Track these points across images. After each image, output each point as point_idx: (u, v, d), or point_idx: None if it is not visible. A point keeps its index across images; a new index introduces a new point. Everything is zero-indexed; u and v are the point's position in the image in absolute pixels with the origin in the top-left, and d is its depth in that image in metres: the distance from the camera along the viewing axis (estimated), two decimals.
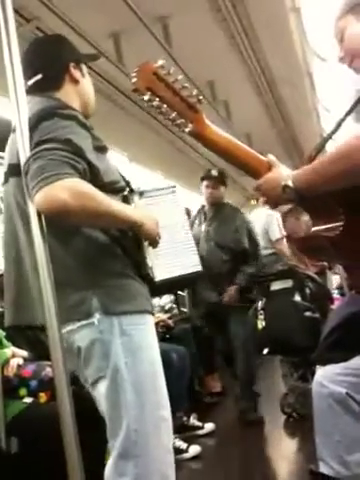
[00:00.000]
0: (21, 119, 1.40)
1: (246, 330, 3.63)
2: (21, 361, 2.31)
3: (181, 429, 3.18)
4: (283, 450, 3.27)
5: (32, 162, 1.31)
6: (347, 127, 1.54)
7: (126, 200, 1.53)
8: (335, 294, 5.23)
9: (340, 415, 1.70)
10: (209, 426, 3.41)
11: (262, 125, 6.43)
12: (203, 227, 3.81)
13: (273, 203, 1.49)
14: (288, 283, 3.55)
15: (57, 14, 3.22)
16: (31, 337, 2.46)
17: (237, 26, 4.04)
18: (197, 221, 3.87)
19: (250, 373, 3.68)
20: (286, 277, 3.57)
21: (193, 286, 3.27)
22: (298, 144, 7.73)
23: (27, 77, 1.56)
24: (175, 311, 4.49)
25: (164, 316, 4.24)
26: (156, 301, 4.24)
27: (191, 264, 1.61)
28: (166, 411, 1.45)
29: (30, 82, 1.57)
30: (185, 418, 3.35)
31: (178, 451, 2.87)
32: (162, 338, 3.89)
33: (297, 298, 3.50)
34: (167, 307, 4.46)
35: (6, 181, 1.53)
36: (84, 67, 1.67)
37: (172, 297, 4.57)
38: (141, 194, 1.62)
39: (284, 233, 4.44)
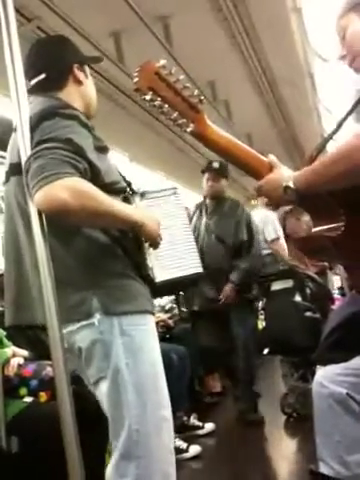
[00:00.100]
0: (22, 118, 1.40)
1: (246, 330, 3.62)
2: (22, 360, 2.31)
3: (181, 429, 3.17)
4: (283, 450, 3.26)
5: (33, 161, 1.31)
6: (348, 127, 1.54)
7: (127, 201, 1.53)
8: (336, 294, 5.23)
9: (340, 415, 1.70)
10: (209, 426, 3.41)
11: (263, 125, 6.43)
12: (203, 220, 3.75)
13: (274, 204, 1.49)
14: (288, 283, 3.55)
15: (58, 14, 3.23)
16: (31, 336, 2.46)
17: (238, 26, 4.04)
18: (197, 214, 3.80)
19: (250, 373, 3.66)
20: (286, 277, 3.57)
21: (194, 287, 3.18)
22: (299, 144, 7.73)
23: (30, 77, 1.56)
24: (175, 311, 4.48)
25: (164, 316, 4.24)
26: (156, 301, 4.23)
27: (192, 265, 1.60)
28: (167, 411, 1.45)
29: (33, 82, 1.57)
30: (185, 418, 3.35)
31: (178, 451, 2.87)
32: (162, 338, 3.88)
33: (297, 298, 3.50)
34: (167, 307, 4.45)
35: (7, 180, 1.53)
36: (87, 68, 1.67)
37: (172, 297, 4.56)
38: (142, 195, 1.62)
39: (279, 234, 4.44)
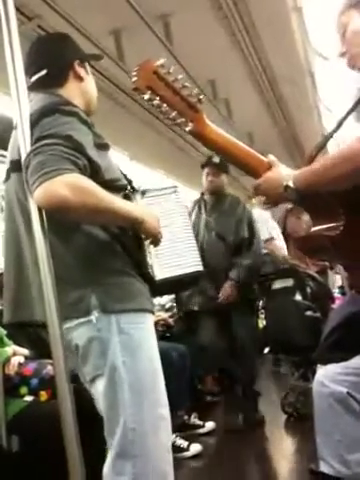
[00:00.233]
0: (22, 115, 1.40)
1: (247, 329, 3.56)
2: (22, 359, 2.31)
3: (182, 428, 3.18)
4: (284, 449, 3.27)
5: (32, 157, 1.31)
6: (348, 126, 1.54)
7: (128, 199, 1.53)
8: (336, 293, 5.23)
9: (341, 414, 1.70)
10: (210, 425, 3.41)
11: (263, 124, 6.43)
12: (203, 217, 3.63)
13: (273, 202, 1.48)
14: (289, 282, 3.55)
15: (58, 12, 3.23)
16: (32, 335, 2.46)
17: (238, 24, 4.04)
18: (196, 211, 3.69)
19: (251, 373, 3.63)
20: (287, 276, 3.57)
21: (195, 287, 2.99)
22: (299, 143, 7.73)
23: (30, 74, 1.57)
24: (175, 310, 4.48)
25: (164, 315, 4.24)
26: (156, 300, 4.22)
27: (192, 263, 1.60)
28: (165, 410, 1.45)
29: (34, 78, 1.57)
30: (186, 417, 3.35)
31: (179, 450, 2.88)
32: (162, 337, 3.89)
33: (298, 297, 3.50)
34: (167, 306, 4.45)
35: (8, 177, 1.53)
36: (87, 66, 1.67)
37: (172, 296, 4.54)
38: (143, 193, 1.61)
39: (273, 234, 4.42)
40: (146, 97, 1.32)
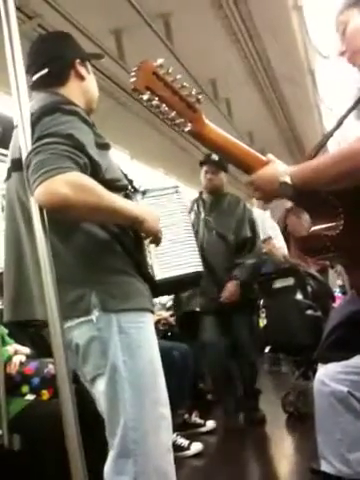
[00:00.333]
0: (23, 114, 1.40)
1: (248, 329, 3.55)
2: (23, 358, 2.31)
3: (183, 426, 3.18)
4: (284, 448, 3.27)
5: (33, 156, 1.31)
6: (349, 125, 1.54)
7: (129, 199, 1.53)
8: (337, 292, 5.22)
9: (341, 413, 1.70)
10: (211, 424, 3.42)
11: (264, 123, 6.43)
12: (202, 216, 3.57)
13: (268, 198, 1.48)
14: (290, 281, 3.54)
15: (59, 11, 3.23)
16: (33, 334, 2.46)
17: (239, 24, 4.04)
18: (195, 210, 3.63)
19: (252, 372, 3.63)
20: (288, 275, 3.57)
21: (195, 288, 2.92)
22: (300, 142, 7.73)
23: (32, 73, 1.57)
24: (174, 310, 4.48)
25: (166, 314, 4.24)
26: (157, 299, 4.23)
27: (192, 264, 1.59)
28: (166, 409, 1.45)
29: (35, 77, 1.57)
30: (187, 415, 3.35)
31: (180, 448, 2.88)
32: (164, 336, 3.89)
33: (299, 296, 3.49)
34: (168, 305, 4.45)
35: (9, 176, 1.53)
36: (89, 65, 1.67)
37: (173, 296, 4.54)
38: (144, 193, 1.61)
39: (269, 233, 4.42)
40: (145, 97, 1.32)
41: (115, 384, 1.38)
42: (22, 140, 1.39)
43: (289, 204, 1.67)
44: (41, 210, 1.36)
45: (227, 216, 3.58)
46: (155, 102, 1.33)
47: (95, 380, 1.42)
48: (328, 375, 1.74)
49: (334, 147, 1.54)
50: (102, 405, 1.42)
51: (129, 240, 1.48)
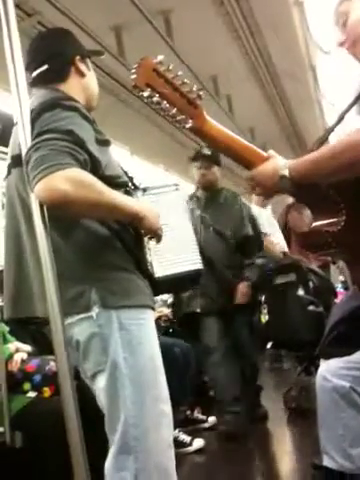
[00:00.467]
0: (22, 112, 1.40)
1: (250, 328, 3.52)
2: (25, 356, 2.31)
3: (185, 423, 3.19)
4: (286, 444, 3.28)
5: (33, 152, 1.31)
6: (350, 120, 1.53)
7: (129, 196, 1.52)
8: (339, 288, 5.22)
9: (344, 409, 1.70)
10: (212, 419, 3.42)
11: (265, 119, 6.42)
12: (198, 213, 3.41)
13: (269, 193, 1.47)
14: (291, 277, 3.53)
15: (58, 8, 3.22)
16: (34, 331, 2.46)
17: (240, 20, 4.03)
18: (190, 207, 3.55)
19: (254, 369, 3.61)
20: (289, 271, 3.56)
21: (195, 286, 2.91)
22: (301, 138, 7.71)
23: (32, 70, 1.56)
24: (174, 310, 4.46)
25: (167, 310, 4.24)
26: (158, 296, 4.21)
27: (192, 261, 1.59)
28: (166, 405, 1.45)
29: (35, 74, 1.56)
30: (189, 412, 3.35)
31: (182, 444, 2.89)
32: (165, 332, 3.89)
33: (300, 292, 3.49)
34: (169, 301, 4.45)
35: (9, 173, 1.52)
36: (89, 62, 1.66)
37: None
38: (144, 190, 1.61)
39: (267, 230, 4.40)
40: (146, 94, 1.31)
41: (115, 381, 1.38)
42: (22, 137, 1.39)
43: (291, 200, 1.67)
44: (41, 206, 1.36)
45: (224, 212, 3.47)
46: (156, 99, 1.32)
47: (95, 377, 1.42)
48: (330, 371, 1.74)
49: None
50: (102, 401, 1.42)
51: (129, 237, 1.48)
